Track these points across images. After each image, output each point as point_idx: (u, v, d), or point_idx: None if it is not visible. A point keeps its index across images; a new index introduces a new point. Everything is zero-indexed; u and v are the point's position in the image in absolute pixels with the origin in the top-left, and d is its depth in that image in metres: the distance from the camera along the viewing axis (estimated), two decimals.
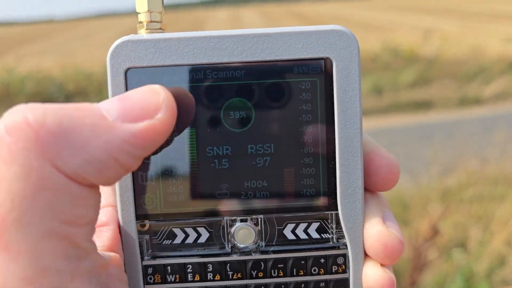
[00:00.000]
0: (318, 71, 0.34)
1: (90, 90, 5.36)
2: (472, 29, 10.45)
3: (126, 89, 0.33)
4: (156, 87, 0.29)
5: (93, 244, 0.28)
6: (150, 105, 0.28)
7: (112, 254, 0.32)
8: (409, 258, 1.71)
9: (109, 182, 0.28)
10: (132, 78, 0.33)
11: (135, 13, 0.34)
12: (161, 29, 0.34)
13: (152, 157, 0.34)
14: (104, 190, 0.34)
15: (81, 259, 0.27)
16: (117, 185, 0.33)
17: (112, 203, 0.35)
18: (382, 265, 0.33)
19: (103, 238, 0.32)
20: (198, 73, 0.33)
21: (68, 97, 4.87)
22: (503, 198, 2.45)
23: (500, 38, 7.77)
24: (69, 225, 0.26)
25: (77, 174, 0.26)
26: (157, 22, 0.34)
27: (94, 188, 0.27)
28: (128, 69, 0.33)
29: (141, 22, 0.34)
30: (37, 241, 0.25)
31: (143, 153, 0.28)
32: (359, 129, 0.34)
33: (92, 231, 0.28)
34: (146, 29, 0.34)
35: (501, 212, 2.28)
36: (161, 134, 0.28)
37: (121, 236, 0.34)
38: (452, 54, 6.82)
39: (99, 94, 5.36)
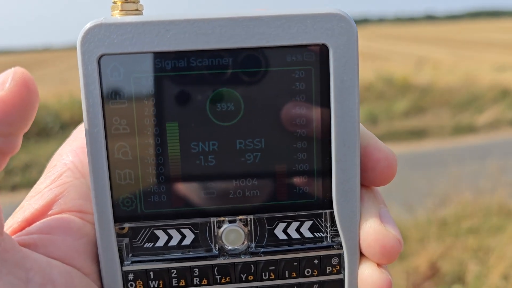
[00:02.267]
0: (313, 59, 0.31)
1: None
2: (464, 58, 10.59)
3: (100, 78, 0.30)
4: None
5: None
6: None
7: (55, 262, 0.29)
8: None
9: None
10: (106, 66, 0.30)
11: None
12: (138, 10, 0.31)
13: (131, 155, 0.31)
14: (67, 193, 0.32)
15: None
16: (91, 184, 0.31)
17: (72, 208, 0.32)
18: (378, 265, 0.32)
19: (49, 248, 0.30)
20: (180, 60, 0.30)
21: (64, 126, 4.86)
22: (498, 230, 2.45)
23: (492, 66, 7.87)
24: None
25: None
26: (133, 2, 0.31)
27: None
28: (101, 56, 0.30)
29: (115, 2, 0.31)
30: None
31: (1, 128, 0.27)
32: (356, 122, 0.31)
33: None
34: (120, 10, 0.31)
35: (497, 244, 2.27)
36: (11, 104, 0.27)
37: (97, 241, 0.31)
38: (445, 83, 6.88)
39: None
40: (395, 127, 5.49)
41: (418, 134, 5.29)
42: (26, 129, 0.28)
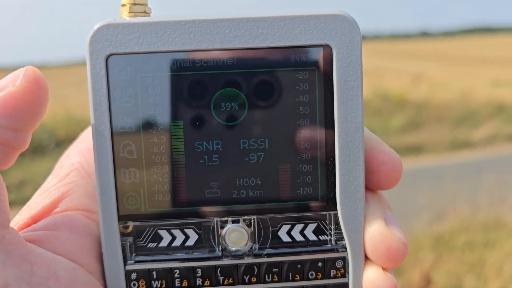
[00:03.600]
0: (317, 59, 0.31)
1: None
2: (459, 74, 10.65)
3: (107, 77, 0.30)
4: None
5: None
6: (10, 77, 0.28)
7: (60, 258, 0.29)
8: None
9: None
10: (113, 65, 0.30)
11: None
12: (146, 13, 0.32)
13: (136, 153, 0.31)
14: (73, 191, 0.32)
15: None
16: (97, 181, 0.31)
17: (78, 206, 0.32)
18: (383, 269, 0.31)
19: (55, 244, 0.30)
20: (186, 60, 0.31)
21: (59, 144, 4.85)
22: (495, 244, 2.44)
23: (487, 82, 7.92)
24: None
25: None
26: (141, 4, 0.32)
27: None
28: (109, 55, 0.30)
29: (124, 5, 0.32)
30: None
31: (12, 123, 0.27)
32: (360, 123, 0.31)
33: None
34: (129, 12, 0.32)
35: (493, 259, 2.26)
36: (21, 100, 0.27)
37: (101, 239, 0.31)
38: (441, 99, 6.91)
39: None
40: (391, 143, 5.49)
41: (414, 150, 5.29)
42: (35, 126, 0.28)
